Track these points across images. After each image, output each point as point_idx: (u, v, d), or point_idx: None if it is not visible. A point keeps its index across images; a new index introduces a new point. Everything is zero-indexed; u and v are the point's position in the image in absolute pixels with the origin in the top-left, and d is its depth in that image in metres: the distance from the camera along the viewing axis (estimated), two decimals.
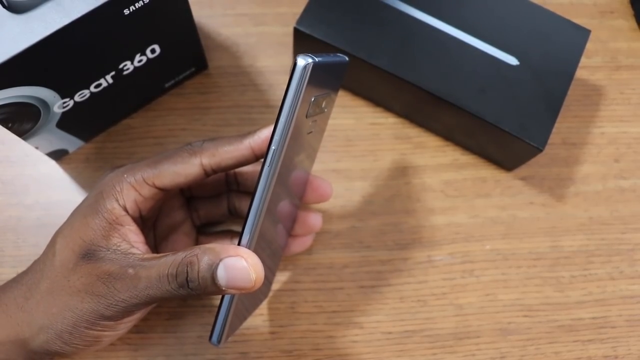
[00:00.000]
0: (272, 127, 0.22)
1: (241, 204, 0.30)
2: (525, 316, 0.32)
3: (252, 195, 0.20)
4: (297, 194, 0.27)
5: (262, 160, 0.20)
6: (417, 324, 0.32)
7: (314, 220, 0.29)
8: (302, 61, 0.19)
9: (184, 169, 0.24)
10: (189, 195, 0.30)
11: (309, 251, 0.33)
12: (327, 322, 0.32)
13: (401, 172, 0.35)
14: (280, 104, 0.31)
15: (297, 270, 0.32)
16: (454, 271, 0.33)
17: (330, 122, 0.35)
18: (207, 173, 0.24)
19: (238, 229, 0.32)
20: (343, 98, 0.36)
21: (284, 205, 0.24)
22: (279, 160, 0.20)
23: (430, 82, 0.31)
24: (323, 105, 0.23)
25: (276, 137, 0.20)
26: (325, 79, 0.21)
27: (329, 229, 0.33)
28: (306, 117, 0.21)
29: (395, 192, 0.34)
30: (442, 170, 0.35)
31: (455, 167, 0.35)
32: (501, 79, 0.32)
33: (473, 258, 0.33)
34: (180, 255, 0.21)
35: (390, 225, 0.34)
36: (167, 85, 0.34)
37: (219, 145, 0.24)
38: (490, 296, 0.33)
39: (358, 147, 0.35)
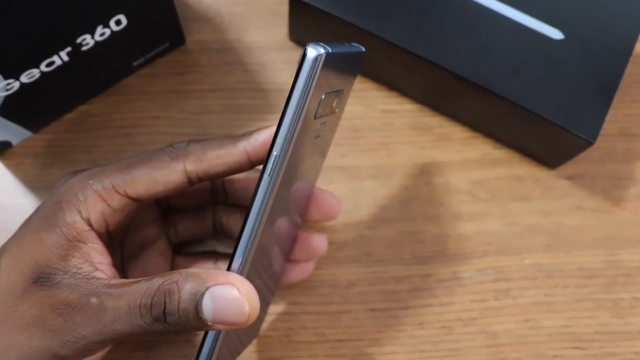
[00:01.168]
0: (272, 129, 0.23)
1: (229, 219, 0.30)
2: (575, 348, 0.32)
3: (248, 209, 0.20)
4: (299, 210, 0.27)
5: (261, 168, 0.20)
6: (441, 356, 0.31)
7: (318, 242, 0.29)
8: (312, 52, 0.19)
9: (163, 175, 0.23)
10: (165, 206, 0.30)
11: None
12: (330, 354, 0.31)
13: (420, 169, 0.34)
14: (281, 101, 0.31)
15: (293, 289, 0.32)
16: (486, 291, 0.32)
17: None
18: (192, 181, 0.24)
19: (224, 249, 0.31)
20: None
21: (283, 224, 0.24)
22: (281, 169, 0.20)
23: (455, 60, 0.31)
24: (334, 105, 0.23)
25: (279, 141, 0.19)
26: (338, 73, 0.21)
27: (332, 239, 0.33)
28: (314, 118, 0.21)
29: (413, 194, 0.34)
30: (470, 167, 0.35)
31: (486, 164, 0.35)
32: (542, 57, 0.31)
33: (509, 275, 0.33)
34: (156, 282, 0.20)
35: (407, 235, 0.33)
36: (135, 64, 0.34)
37: (207, 148, 0.23)
38: (530, 322, 0.32)
39: (367, 140, 0.35)
